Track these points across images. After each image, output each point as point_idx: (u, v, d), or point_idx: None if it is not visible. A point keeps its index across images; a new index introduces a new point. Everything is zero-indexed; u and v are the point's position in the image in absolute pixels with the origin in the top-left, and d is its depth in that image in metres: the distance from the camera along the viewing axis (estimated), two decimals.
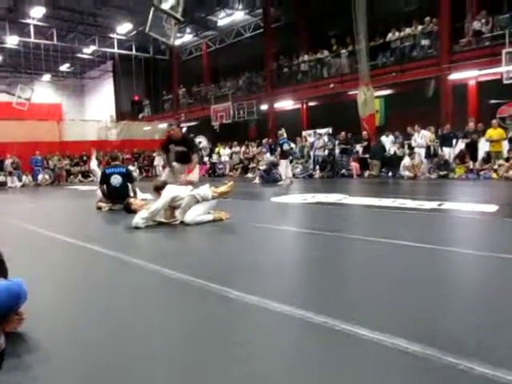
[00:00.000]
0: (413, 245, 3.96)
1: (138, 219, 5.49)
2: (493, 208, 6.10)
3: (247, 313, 2.45)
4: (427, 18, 15.52)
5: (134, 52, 27.21)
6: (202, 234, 5.23)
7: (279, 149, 13.60)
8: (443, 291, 2.73)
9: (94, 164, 14.97)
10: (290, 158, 14.57)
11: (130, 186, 7.73)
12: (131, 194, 7.58)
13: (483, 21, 14.38)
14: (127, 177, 7.73)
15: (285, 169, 13.29)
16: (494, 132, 12.20)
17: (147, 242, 5.00)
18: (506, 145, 12.20)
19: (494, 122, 12.55)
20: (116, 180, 7.59)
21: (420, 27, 15.80)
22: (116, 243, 4.78)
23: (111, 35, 25.83)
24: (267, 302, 2.52)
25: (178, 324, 2.36)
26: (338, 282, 3.02)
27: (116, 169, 7.76)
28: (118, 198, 7.56)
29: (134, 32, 24.47)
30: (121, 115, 30.34)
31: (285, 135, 13.72)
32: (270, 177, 13.80)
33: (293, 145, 16.51)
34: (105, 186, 7.75)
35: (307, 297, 2.72)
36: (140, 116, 29.56)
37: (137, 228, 5.43)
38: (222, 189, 5.80)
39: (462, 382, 1.66)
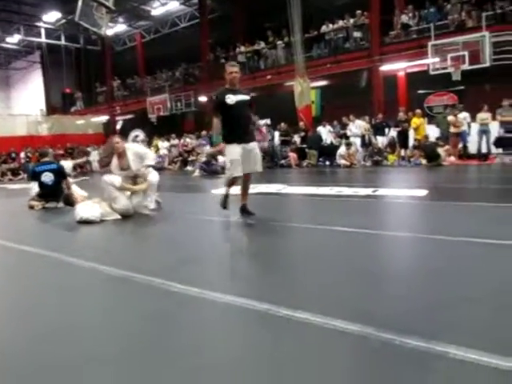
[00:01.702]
0: (350, 230, 4.11)
1: (89, 214, 5.35)
2: (423, 192, 6.45)
3: (191, 305, 2.44)
4: (358, 11, 16.02)
5: (63, 42, 25.90)
6: (140, 228, 5.14)
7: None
8: (379, 274, 2.86)
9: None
10: None
11: (63, 182, 7.39)
12: (65, 191, 7.27)
13: (410, 15, 15.08)
14: (59, 173, 7.37)
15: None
16: (418, 120, 12.88)
17: (84, 239, 4.82)
18: (431, 132, 12.87)
19: (418, 111, 13.23)
20: (47, 178, 7.21)
21: (352, 20, 16.29)
22: (50, 242, 4.57)
23: (38, 24, 24.41)
24: (210, 293, 2.52)
25: (121, 321, 2.30)
26: (279, 270, 3.07)
27: (46, 166, 7.35)
28: (51, 196, 7.23)
29: (63, 21, 23.28)
30: (51, 109, 28.82)
31: None
32: (209, 168, 13.73)
33: None
34: (36, 185, 7.36)
35: (249, 286, 2.75)
36: (72, 109, 28.24)
37: (79, 223, 5.32)
38: (138, 186, 5.85)
39: (397, 355, 1.76)
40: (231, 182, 5.16)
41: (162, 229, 5.09)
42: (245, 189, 5.23)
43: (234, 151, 4.92)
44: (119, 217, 5.53)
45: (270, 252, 3.66)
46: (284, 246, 3.91)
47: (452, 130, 12.52)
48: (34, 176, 7.35)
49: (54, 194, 7.23)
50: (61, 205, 7.21)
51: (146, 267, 3.19)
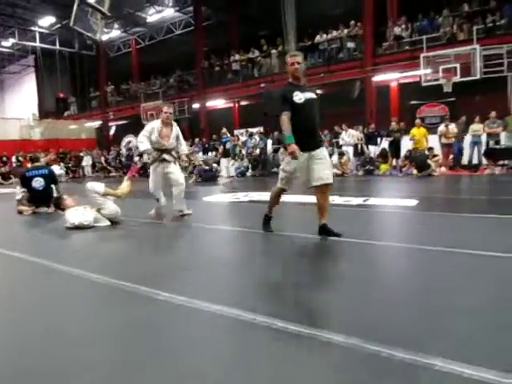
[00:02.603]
0: (339, 240, 4.10)
1: (81, 219, 5.29)
2: (413, 202, 6.48)
3: (177, 314, 2.42)
4: (352, 22, 16.17)
5: (57, 46, 25.81)
6: (130, 235, 5.10)
7: (222, 147, 13.68)
8: (367, 284, 2.86)
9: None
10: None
11: (54, 187, 7.34)
12: (56, 195, 7.22)
13: (403, 26, 15.24)
14: (50, 178, 7.33)
15: (226, 167, 13.37)
16: (417, 131, 12.94)
17: (73, 245, 4.78)
18: (431, 143, 12.92)
19: (418, 121, 13.30)
20: (38, 183, 7.16)
21: (346, 30, 16.43)
22: (39, 248, 4.55)
23: (32, 28, 24.35)
24: (197, 302, 2.50)
25: (104, 330, 2.28)
26: (267, 280, 3.06)
27: (37, 171, 7.31)
28: (41, 201, 7.18)
29: (58, 25, 23.23)
30: (44, 113, 28.72)
31: (228, 134, 13.91)
32: (208, 174, 13.77)
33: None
34: (26, 190, 7.30)
35: (237, 295, 2.73)
36: (65, 114, 28.16)
37: (69, 229, 5.27)
38: (120, 191, 5.76)
39: (384, 367, 1.76)
40: (276, 197, 4.51)
41: (150, 236, 5.06)
42: (321, 205, 4.30)
43: (292, 160, 4.11)
44: (109, 223, 5.49)
45: (258, 262, 3.65)
46: (272, 255, 3.90)
47: (443, 140, 12.62)
48: (25, 181, 7.29)
49: (45, 199, 7.18)
50: (51, 210, 7.17)
51: (133, 275, 3.17)
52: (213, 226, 5.32)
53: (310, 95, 4.20)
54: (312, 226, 4.80)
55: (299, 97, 4.10)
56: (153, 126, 5.90)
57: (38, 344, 2.11)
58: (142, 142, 5.85)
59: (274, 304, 2.50)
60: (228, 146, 13.59)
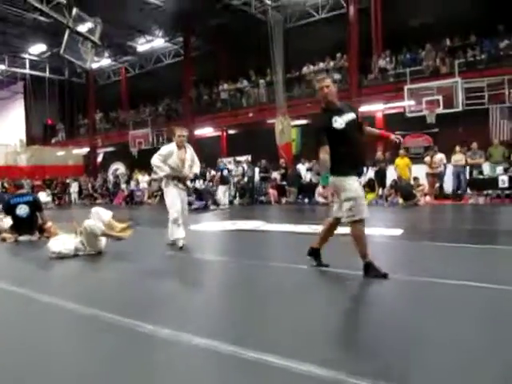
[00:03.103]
0: (324, 270, 4.11)
1: (61, 247, 5.22)
2: (398, 232, 6.53)
3: (160, 347, 2.39)
4: (338, 55, 16.60)
5: (47, 74, 25.98)
6: (114, 266, 5.04)
7: (219, 174, 13.83)
8: (350, 315, 2.86)
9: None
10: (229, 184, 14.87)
11: (38, 214, 7.26)
12: (40, 222, 7.16)
13: (388, 59, 15.69)
14: (35, 206, 7.25)
15: (223, 195, 13.47)
16: (400, 161, 13.16)
17: (54, 275, 4.72)
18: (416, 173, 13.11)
19: (402, 151, 13.52)
20: (22, 210, 7.06)
21: (332, 62, 16.85)
22: (20, 277, 4.46)
23: (23, 55, 24.53)
24: (181, 335, 2.47)
25: (84, 364, 2.23)
26: (253, 311, 3.04)
27: (22, 198, 7.22)
28: (25, 228, 7.09)
29: (48, 53, 23.44)
30: (32, 140, 28.59)
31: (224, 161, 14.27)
32: (201, 203, 13.85)
33: (213, 172, 16.67)
34: (10, 218, 7.21)
35: (223, 327, 2.70)
36: (53, 141, 28.10)
37: (52, 258, 5.18)
38: (122, 234, 5.63)
39: None
40: (332, 227, 4.15)
41: (135, 266, 4.99)
42: (361, 239, 3.96)
43: (355, 186, 3.83)
44: (92, 252, 5.43)
45: (244, 293, 3.63)
46: (260, 286, 3.88)
47: (428, 170, 12.84)
48: (9, 209, 7.20)
49: (28, 226, 7.10)
50: (34, 238, 7.07)
51: (116, 306, 3.13)
52: (199, 256, 5.29)
53: (350, 117, 3.87)
54: (298, 257, 4.81)
55: (339, 122, 3.78)
56: (169, 150, 5.75)
57: (14, 373, 2.07)
58: (159, 166, 5.70)
59: (258, 336, 2.48)
60: (225, 173, 13.80)
